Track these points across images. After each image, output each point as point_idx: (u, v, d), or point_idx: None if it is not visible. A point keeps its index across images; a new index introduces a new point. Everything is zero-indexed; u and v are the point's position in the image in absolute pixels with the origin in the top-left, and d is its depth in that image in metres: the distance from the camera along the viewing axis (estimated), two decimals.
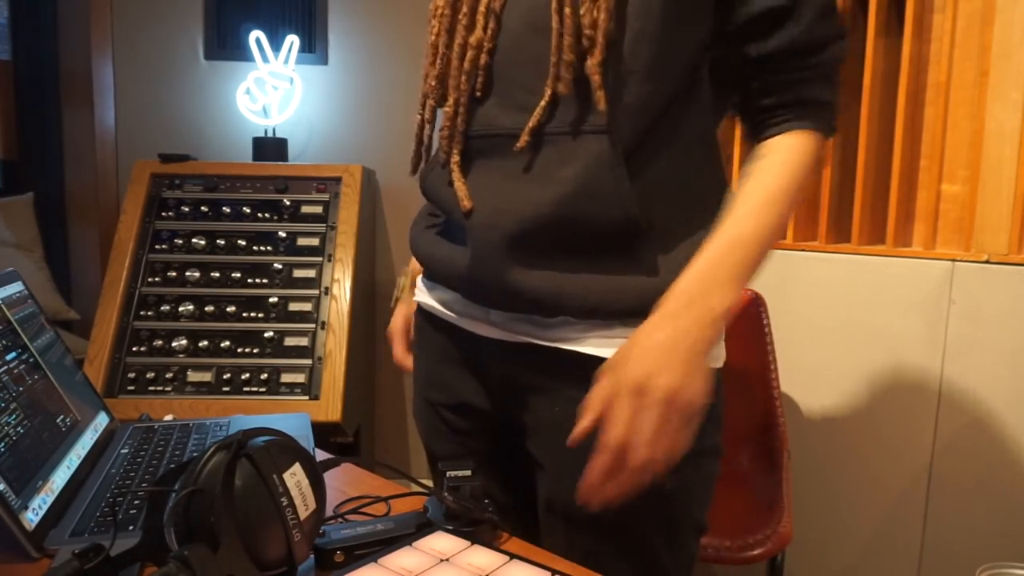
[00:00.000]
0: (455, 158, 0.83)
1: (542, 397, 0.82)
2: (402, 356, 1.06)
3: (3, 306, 0.87)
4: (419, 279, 1.00)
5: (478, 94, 0.80)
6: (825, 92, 0.80)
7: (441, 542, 0.69)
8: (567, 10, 0.73)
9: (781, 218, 0.76)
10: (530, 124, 0.75)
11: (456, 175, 0.82)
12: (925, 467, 1.53)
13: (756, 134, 0.83)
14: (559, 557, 0.71)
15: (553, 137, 0.76)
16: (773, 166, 0.77)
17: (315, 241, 2.27)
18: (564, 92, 0.74)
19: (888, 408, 1.56)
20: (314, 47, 2.68)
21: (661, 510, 0.79)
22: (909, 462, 1.54)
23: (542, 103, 0.75)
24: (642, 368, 0.68)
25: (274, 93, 2.56)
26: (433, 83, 0.85)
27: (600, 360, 0.75)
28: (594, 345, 0.77)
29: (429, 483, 0.78)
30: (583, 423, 0.70)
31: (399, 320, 1.08)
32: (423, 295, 0.96)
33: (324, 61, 2.69)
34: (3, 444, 0.73)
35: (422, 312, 0.97)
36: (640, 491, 0.72)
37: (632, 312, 0.75)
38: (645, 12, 0.73)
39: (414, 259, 1.06)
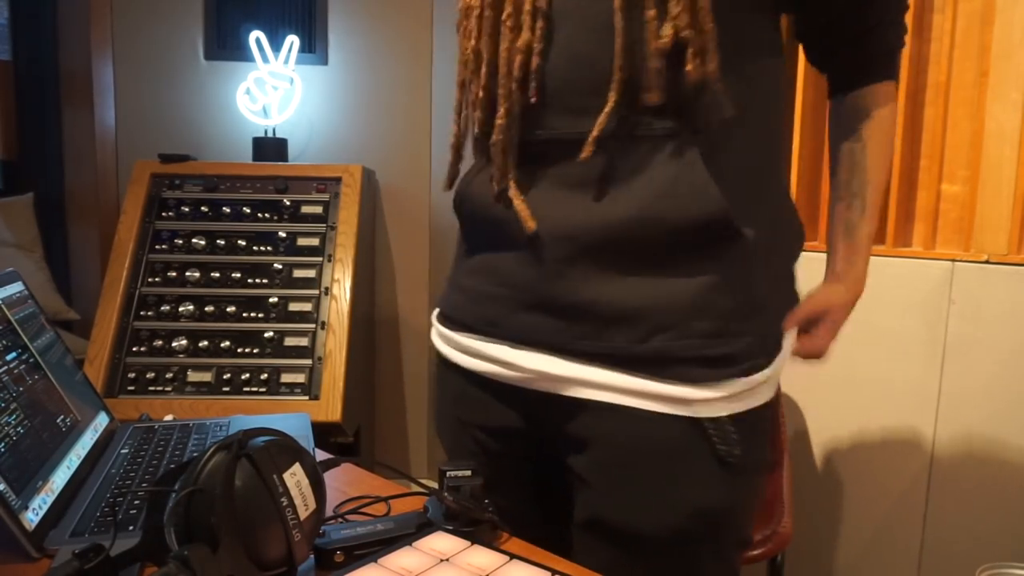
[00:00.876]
0: (511, 174, 0.77)
1: (594, 413, 0.76)
2: None
3: (3, 306, 0.87)
4: (435, 321, 0.93)
5: (532, 99, 0.74)
6: (900, 37, 0.86)
7: (441, 542, 0.69)
8: (650, 11, 0.68)
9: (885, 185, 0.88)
10: (594, 134, 0.71)
11: (514, 192, 0.76)
12: (925, 467, 1.53)
13: (840, 92, 0.88)
14: (558, 557, 0.71)
15: (624, 142, 0.71)
16: (879, 126, 0.85)
17: (315, 241, 2.27)
18: (655, 102, 0.69)
19: (888, 408, 1.56)
20: (314, 47, 2.68)
21: (711, 528, 0.77)
22: (909, 462, 1.54)
23: (607, 108, 0.70)
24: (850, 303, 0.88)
25: (274, 93, 2.56)
26: (478, 92, 0.77)
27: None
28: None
29: (429, 483, 0.78)
30: (801, 314, 0.84)
31: None
32: (452, 352, 0.88)
33: (324, 61, 2.69)
34: (3, 444, 0.73)
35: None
36: (689, 510, 0.73)
37: (711, 333, 0.73)
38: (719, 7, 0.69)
39: None
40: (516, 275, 0.78)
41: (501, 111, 0.75)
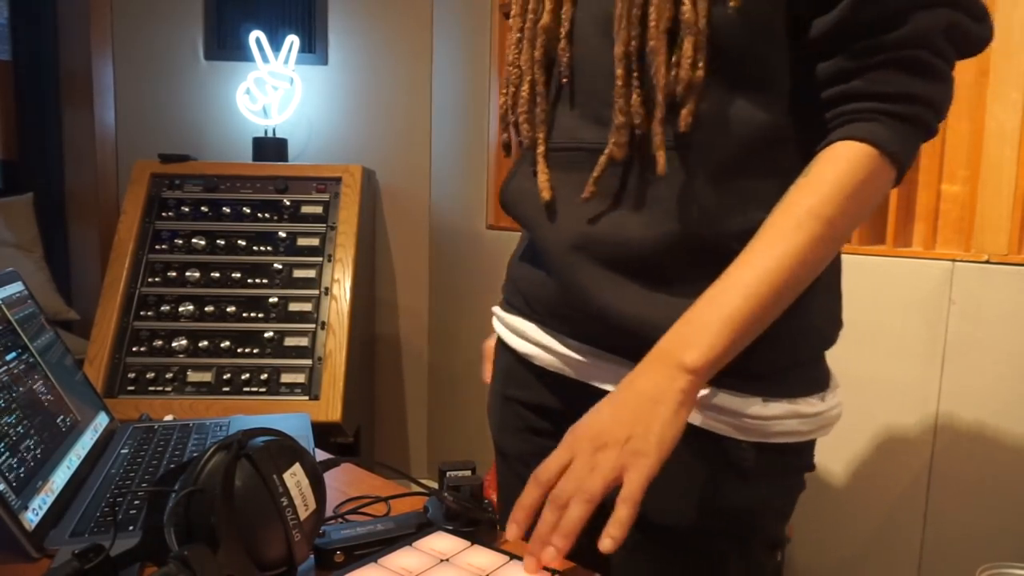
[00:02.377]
0: (540, 148, 0.77)
1: None
2: (489, 377, 1.01)
3: (3, 306, 0.87)
4: (496, 308, 0.96)
5: (563, 80, 0.75)
6: (895, 83, 0.65)
7: (441, 542, 0.69)
8: (634, 61, 0.68)
9: (794, 260, 0.65)
10: (600, 166, 0.71)
11: (541, 165, 0.77)
12: (925, 467, 1.53)
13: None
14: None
15: (636, 155, 0.71)
16: (796, 194, 0.67)
17: (315, 241, 2.27)
18: (618, 157, 0.70)
19: (888, 408, 1.56)
20: (314, 47, 2.68)
21: (732, 526, 0.77)
22: (909, 462, 1.54)
23: (615, 131, 0.70)
24: (596, 428, 0.66)
25: (274, 93, 2.56)
26: (510, 67, 0.80)
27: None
28: None
29: (429, 483, 0.78)
30: (537, 488, 0.66)
31: (493, 340, 1.03)
32: (504, 332, 0.91)
33: (324, 61, 2.69)
34: (3, 444, 0.73)
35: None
36: (709, 509, 0.72)
37: None
38: (728, 38, 0.66)
39: None
40: (545, 276, 0.80)
41: (525, 86, 0.77)
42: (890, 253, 1.56)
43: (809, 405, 0.75)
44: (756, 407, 0.72)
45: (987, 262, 1.45)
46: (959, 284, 1.47)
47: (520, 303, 0.87)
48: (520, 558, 0.66)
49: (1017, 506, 1.42)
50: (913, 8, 0.64)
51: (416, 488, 0.80)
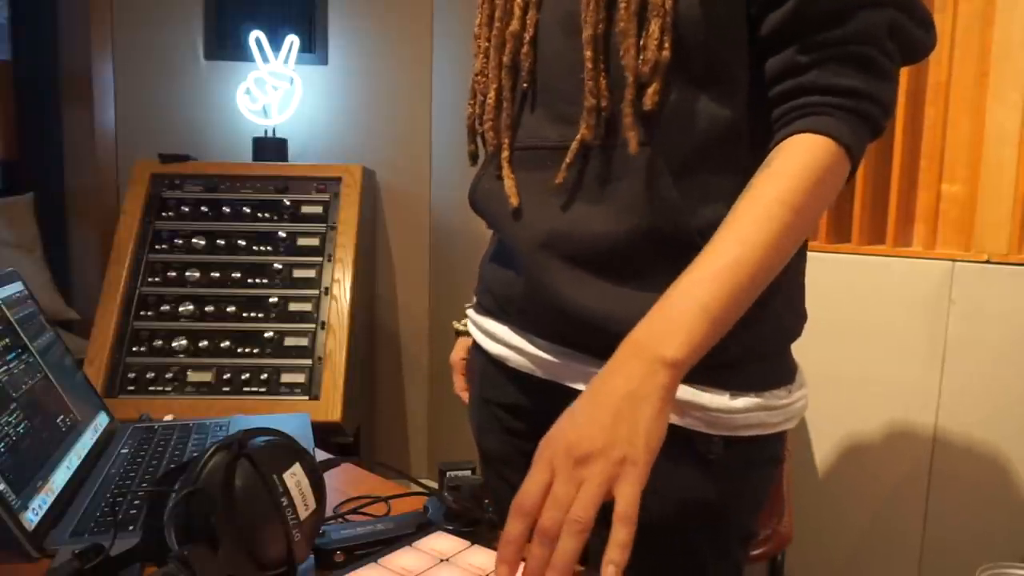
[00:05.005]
0: (504, 153, 0.79)
1: None
2: (461, 390, 1.03)
3: (3, 306, 0.87)
4: (469, 310, 0.97)
5: (524, 86, 0.77)
6: (845, 78, 0.67)
7: (441, 542, 0.69)
8: (601, 45, 0.69)
9: (766, 248, 0.65)
10: (567, 161, 0.73)
11: (506, 170, 0.79)
12: (925, 467, 1.53)
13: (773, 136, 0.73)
14: None
15: (598, 151, 0.72)
16: (762, 184, 0.67)
17: (315, 241, 2.27)
18: (588, 138, 0.71)
19: (888, 408, 1.56)
20: (314, 47, 2.68)
21: (702, 519, 0.77)
22: (909, 462, 1.54)
23: (585, 114, 0.71)
24: (573, 436, 0.60)
25: (274, 93, 2.56)
26: (477, 75, 0.82)
27: None
28: None
29: (429, 483, 0.78)
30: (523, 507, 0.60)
31: (461, 351, 1.05)
32: (478, 335, 0.92)
33: (324, 61, 2.69)
34: (3, 444, 0.73)
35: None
36: (676, 501, 0.72)
37: None
38: (690, 27, 0.68)
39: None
40: (513, 274, 0.81)
41: (491, 95, 0.78)
42: (890, 253, 1.56)
43: (776, 398, 0.76)
44: (723, 400, 0.73)
45: (987, 262, 1.45)
46: (959, 284, 1.47)
47: (491, 304, 0.88)
48: (521, 558, 0.66)
49: (1017, 506, 1.42)
50: (859, 6, 0.66)
51: (416, 488, 0.81)
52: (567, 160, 0.73)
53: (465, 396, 1.01)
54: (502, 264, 0.85)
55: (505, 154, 0.79)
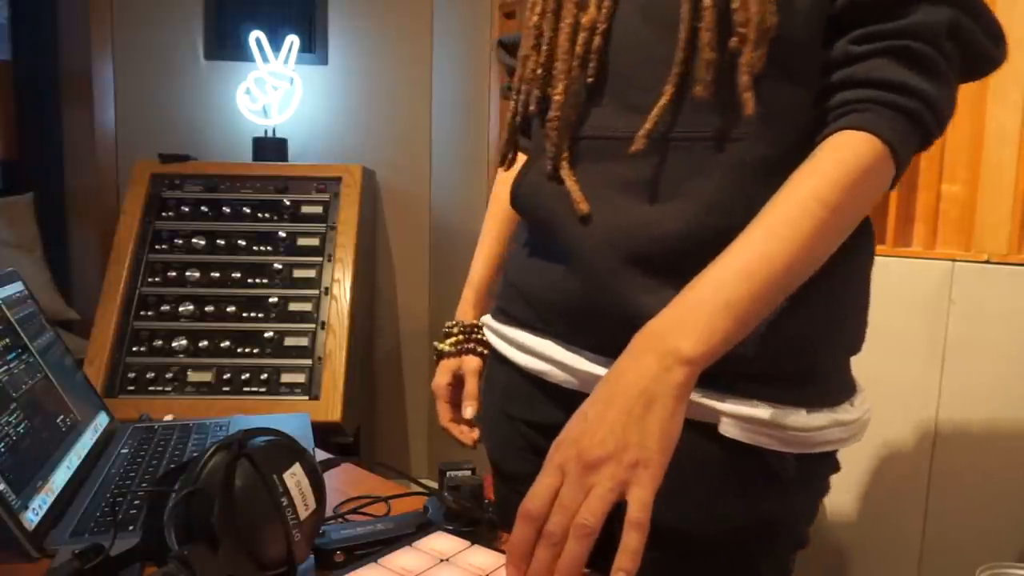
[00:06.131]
0: (564, 154, 0.72)
1: None
2: (447, 422, 0.95)
3: (3, 306, 0.87)
4: (489, 320, 0.90)
5: (590, 80, 0.71)
6: (895, 72, 0.64)
7: (441, 542, 0.69)
8: (713, 6, 0.63)
9: (797, 245, 0.62)
10: (647, 126, 0.66)
11: (567, 173, 0.72)
12: (925, 467, 1.52)
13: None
14: None
15: (680, 143, 0.67)
16: (798, 180, 0.64)
17: (315, 241, 2.27)
18: (703, 95, 0.64)
19: (888, 408, 1.56)
20: (314, 47, 2.68)
21: (765, 532, 0.75)
22: (909, 462, 1.54)
23: (661, 102, 0.66)
24: (584, 440, 0.58)
25: (274, 93, 2.56)
26: (535, 69, 0.73)
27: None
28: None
29: (429, 483, 0.78)
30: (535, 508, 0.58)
31: (446, 375, 0.96)
32: (505, 347, 0.85)
33: (324, 61, 2.69)
34: (3, 444, 0.73)
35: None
36: (742, 517, 0.71)
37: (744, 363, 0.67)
38: (790, 4, 0.64)
39: (463, 305, 0.98)
40: (566, 279, 0.75)
41: (559, 88, 0.71)
42: (890, 253, 1.56)
43: (846, 412, 0.74)
44: (800, 418, 0.70)
45: (987, 262, 1.45)
46: (959, 284, 1.47)
47: (527, 315, 0.81)
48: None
49: (1017, 506, 1.42)
50: (918, 0, 0.63)
51: (416, 488, 0.80)
52: (654, 114, 0.66)
53: (453, 429, 0.95)
54: (544, 270, 0.78)
55: (566, 154, 0.73)
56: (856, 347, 0.77)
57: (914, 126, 0.65)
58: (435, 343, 0.99)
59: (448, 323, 0.99)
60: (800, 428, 0.70)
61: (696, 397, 0.69)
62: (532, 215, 0.79)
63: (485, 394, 0.93)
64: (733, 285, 0.61)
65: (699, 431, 0.70)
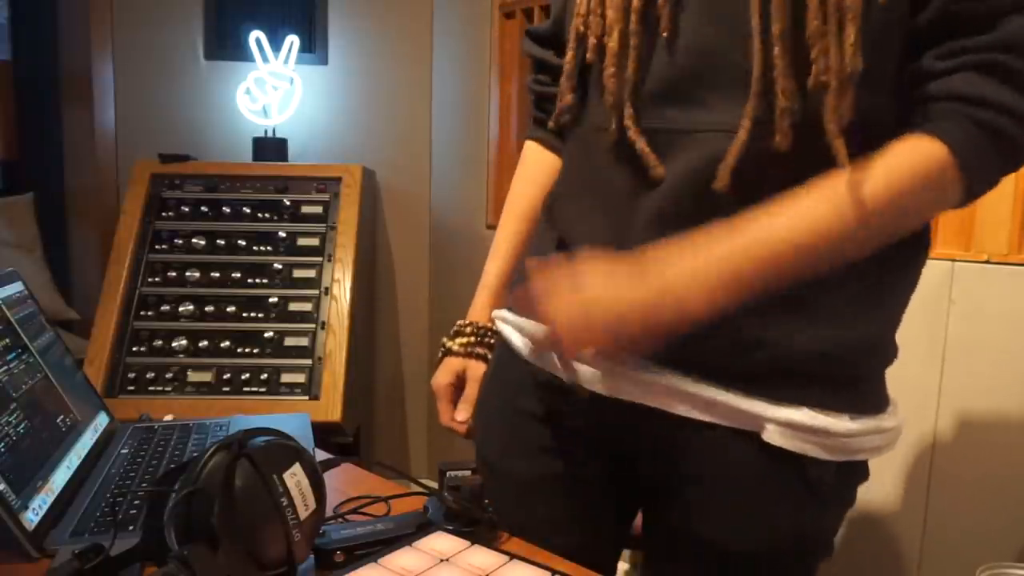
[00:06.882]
0: (628, 111, 0.67)
1: (678, 424, 0.72)
2: (448, 420, 0.94)
3: (3, 306, 0.87)
4: (505, 313, 0.87)
5: (664, 33, 0.66)
6: (977, 86, 0.61)
7: (441, 542, 0.69)
8: (779, 41, 0.60)
9: (825, 239, 0.61)
10: (729, 161, 0.63)
11: (635, 134, 0.67)
12: (925, 467, 1.52)
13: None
14: (558, 557, 0.71)
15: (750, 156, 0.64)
16: (848, 173, 0.61)
17: (315, 241, 2.27)
18: (783, 149, 0.62)
19: None
20: (314, 47, 2.68)
21: (802, 546, 0.75)
22: (909, 462, 1.54)
23: (741, 138, 0.62)
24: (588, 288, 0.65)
25: (274, 93, 2.56)
26: (590, 17, 0.69)
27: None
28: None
29: (429, 483, 0.78)
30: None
31: (448, 375, 0.94)
32: (521, 341, 0.82)
33: (324, 61, 2.69)
34: (3, 444, 0.73)
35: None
36: (781, 531, 0.71)
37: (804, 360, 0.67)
38: (879, 36, 0.61)
39: (477, 308, 0.95)
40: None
41: (614, 36, 0.67)
42: None
43: (886, 420, 0.74)
44: (844, 424, 0.69)
45: (987, 262, 1.45)
46: (959, 284, 1.47)
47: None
48: (520, 558, 0.66)
49: (1017, 506, 1.42)
50: (1015, 10, 0.60)
51: (416, 488, 0.80)
52: (729, 162, 0.63)
53: (456, 427, 0.93)
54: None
55: (630, 113, 0.67)
56: (895, 356, 0.77)
57: (993, 140, 0.61)
58: (443, 339, 0.97)
59: (461, 321, 0.97)
60: (844, 434, 0.69)
61: (740, 403, 0.69)
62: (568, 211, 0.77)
63: (488, 385, 0.90)
64: (750, 261, 0.62)
65: (743, 440, 0.70)
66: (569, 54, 0.73)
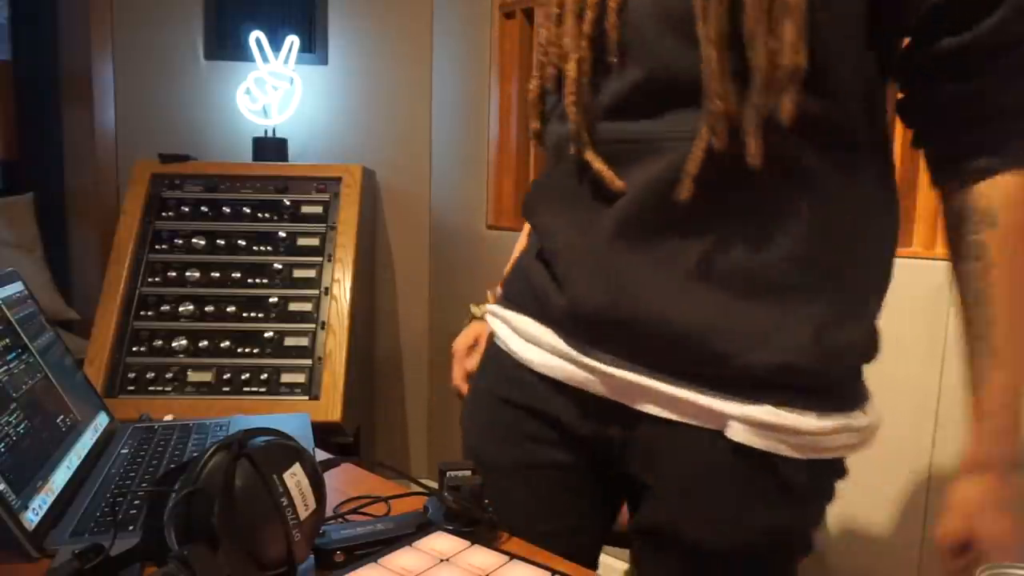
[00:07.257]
0: (585, 136, 0.70)
1: (657, 424, 0.73)
2: (460, 380, 0.97)
3: (3, 306, 0.87)
4: (496, 306, 0.88)
5: (612, 60, 0.67)
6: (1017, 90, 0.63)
7: (441, 542, 0.69)
8: (715, 44, 0.60)
9: None
10: (689, 169, 0.64)
11: (591, 153, 0.69)
12: (925, 467, 1.52)
13: (947, 174, 0.71)
14: (558, 557, 0.71)
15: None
16: (1015, 267, 0.67)
17: (315, 241, 2.27)
18: (720, 147, 0.63)
19: (888, 408, 1.56)
20: (314, 47, 2.68)
21: (781, 542, 0.76)
22: (909, 462, 1.54)
23: (699, 146, 0.63)
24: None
25: (274, 93, 2.56)
26: (549, 47, 0.72)
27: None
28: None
29: (429, 483, 0.78)
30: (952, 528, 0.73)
31: (468, 338, 0.98)
32: (509, 335, 0.84)
33: (324, 61, 2.69)
34: (3, 444, 0.73)
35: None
36: (759, 529, 0.72)
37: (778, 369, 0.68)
38: (825, 34, 0.62)
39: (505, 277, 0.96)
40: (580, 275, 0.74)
41: (571, 63, 0.69)
42: None
43: (856, 418, 0.74)
44: (811, 421, 0.70)
45: None
46: None
47: (534, 306, 0.80)
48: (520, 558, 0.66)
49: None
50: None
51: (416, 488, 0.80)
52: (690, 169, 0.64)
53: (464, 387, 0.97)
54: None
55: (586, 137, 0.70)
56: (875, 353, 0.77)
57: None
58: (471, 305, 1.02)
59: (490, 291, 1.01)
60: (812, 432, 0.70)
61: (703, 400, 0.70)
62: (543, 224, 0.78)
63: (479, 379, 0.91)
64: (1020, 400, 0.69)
65: (710, 438, 0.71)
66: (533, 83, 0.76)
